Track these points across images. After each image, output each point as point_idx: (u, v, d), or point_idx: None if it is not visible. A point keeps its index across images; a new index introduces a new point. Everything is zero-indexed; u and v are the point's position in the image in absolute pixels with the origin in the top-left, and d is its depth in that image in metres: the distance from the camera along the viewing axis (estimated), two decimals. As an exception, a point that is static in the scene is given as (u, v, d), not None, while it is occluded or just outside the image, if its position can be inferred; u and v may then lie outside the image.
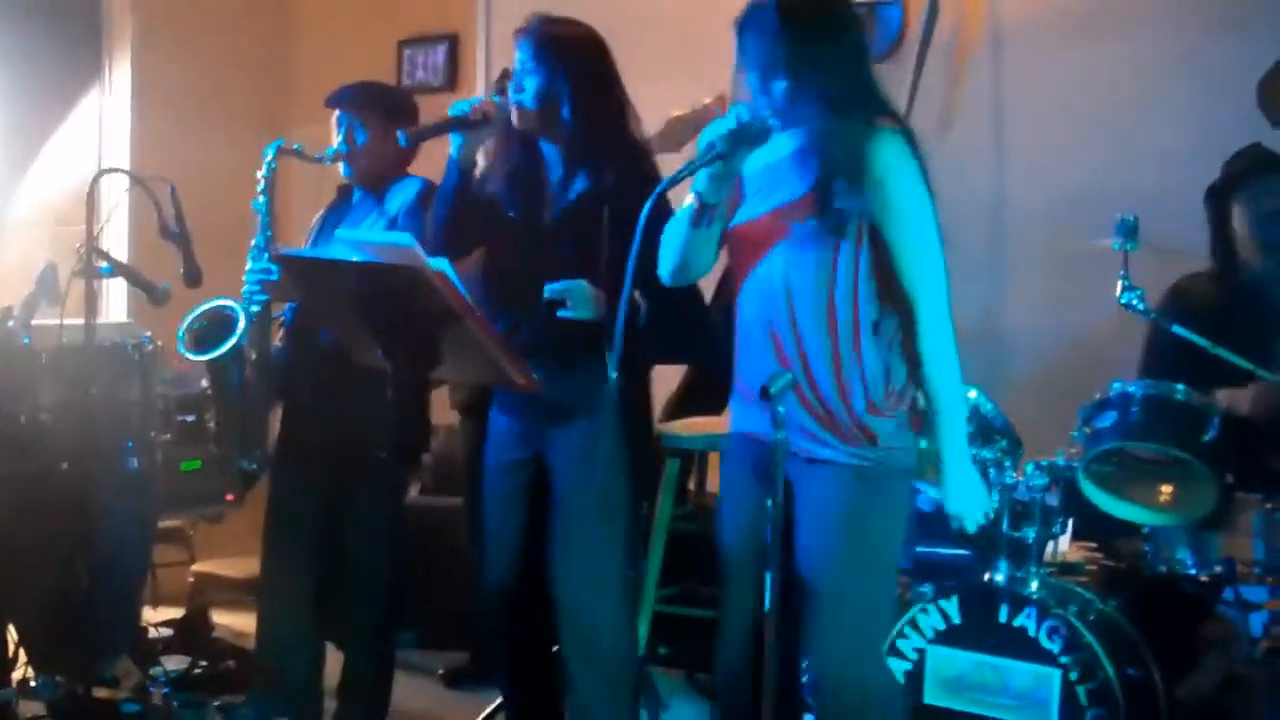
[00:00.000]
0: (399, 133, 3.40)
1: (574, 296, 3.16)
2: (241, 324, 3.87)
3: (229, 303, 3.92)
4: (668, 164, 3.66)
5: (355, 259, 3.01)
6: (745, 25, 2.96)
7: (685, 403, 4.77)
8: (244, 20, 6.59)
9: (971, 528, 2.96)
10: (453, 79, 6.28)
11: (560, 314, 3.15)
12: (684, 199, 2.93)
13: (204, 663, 4.72)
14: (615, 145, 3.34)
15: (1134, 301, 3.68)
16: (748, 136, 2.78)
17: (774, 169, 2.96)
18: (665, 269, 3.04)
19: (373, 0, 6.50)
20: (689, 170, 2.80)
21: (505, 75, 3.77)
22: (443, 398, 4.79)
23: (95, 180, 4.02)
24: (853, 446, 2.88)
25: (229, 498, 4.32)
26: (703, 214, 2.89)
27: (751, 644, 2.88)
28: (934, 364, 2.89)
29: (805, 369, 2.88)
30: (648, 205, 2.69)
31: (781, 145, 2.93)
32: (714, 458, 4.37)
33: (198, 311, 3.98)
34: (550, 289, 3.15)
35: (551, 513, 3.36)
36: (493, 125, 3.33)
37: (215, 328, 3.93)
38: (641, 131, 3.46)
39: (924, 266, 2.89)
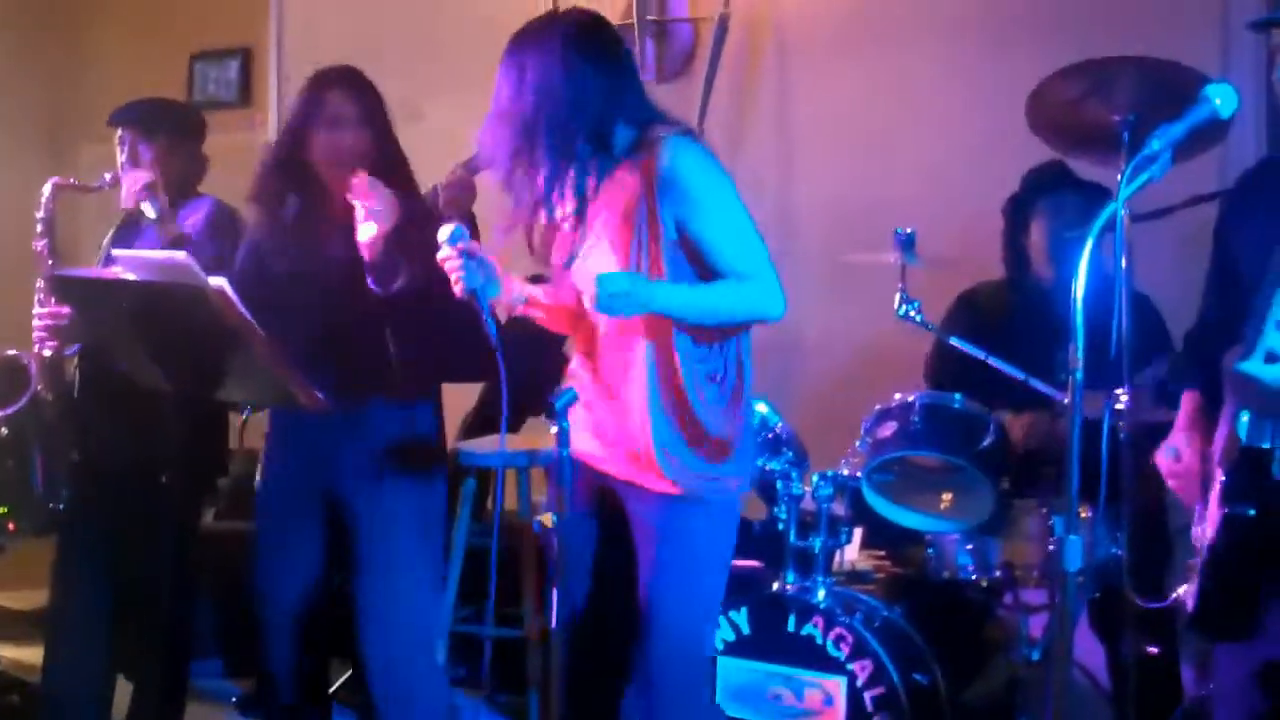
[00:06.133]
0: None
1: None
2: (33, 372, 3.81)
3: (17, 353, 3.86)
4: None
5: (131, 277, 2.95)
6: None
7: (482, 421, 4.77)
8: (27, 34, 6.41)
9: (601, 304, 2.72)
10: (246, 94, 6.19)
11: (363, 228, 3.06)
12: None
13: (-15, 697, 4.57)
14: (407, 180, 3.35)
15: (911, 314, 3.76)
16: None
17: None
18: None
19: (162, 13, 6.36)
20: None
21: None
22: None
23: None
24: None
25: (11, 527, 4.20)
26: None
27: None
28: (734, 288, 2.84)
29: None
30: None
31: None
32: (511, 475, 4.36)
33: None
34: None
35: (351, 547, 3.33)
36: None
37: (7, 378, 3.87)
38: None
39: (746, 248, 2.85)
